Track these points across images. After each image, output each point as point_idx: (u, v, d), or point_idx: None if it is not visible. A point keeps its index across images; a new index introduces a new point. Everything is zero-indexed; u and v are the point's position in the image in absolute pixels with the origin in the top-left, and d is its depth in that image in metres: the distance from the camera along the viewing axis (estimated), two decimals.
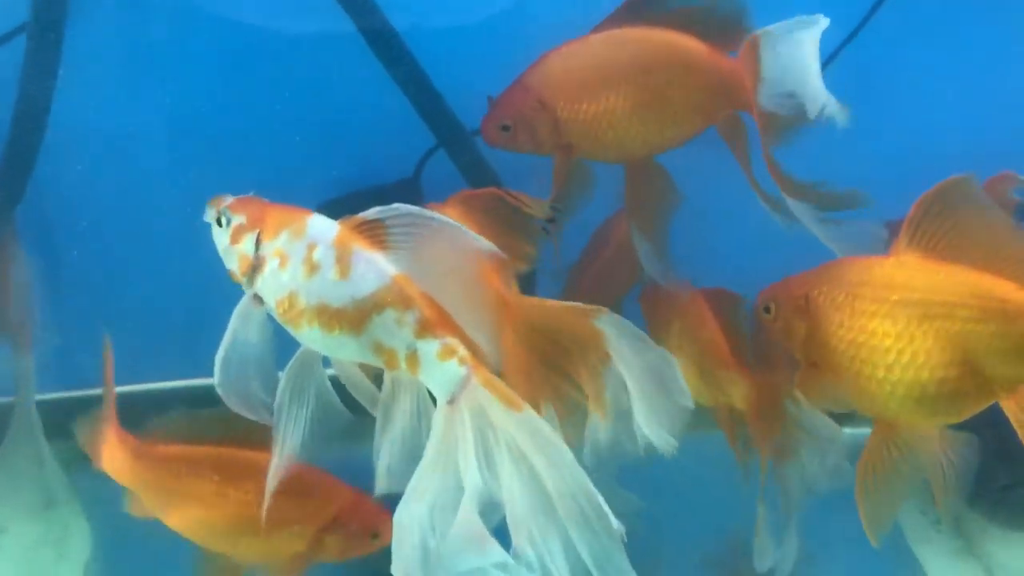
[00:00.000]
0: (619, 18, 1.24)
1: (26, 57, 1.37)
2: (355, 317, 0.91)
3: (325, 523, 1.10)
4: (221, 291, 0.97)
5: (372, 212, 0.89)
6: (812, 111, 1.16)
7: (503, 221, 1.04)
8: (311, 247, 0.91)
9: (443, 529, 0.86)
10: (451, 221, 0.88)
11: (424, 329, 0.90)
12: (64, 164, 1.45)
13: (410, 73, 1.36)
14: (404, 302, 0.90)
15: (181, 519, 1.16)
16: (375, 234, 0.90)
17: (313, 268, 0.91)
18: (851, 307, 1.04)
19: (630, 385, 0.95)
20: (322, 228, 0.92)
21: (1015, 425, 0.95)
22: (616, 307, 1.32)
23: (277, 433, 0.98)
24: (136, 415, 1.51)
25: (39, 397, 1.51)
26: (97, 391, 1.51)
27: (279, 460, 0.99)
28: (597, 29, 1.24)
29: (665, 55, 1.22)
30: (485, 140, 1.29)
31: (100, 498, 1.50)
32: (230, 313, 0.97)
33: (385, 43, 1.37)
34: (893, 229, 1.17)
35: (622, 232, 1.36)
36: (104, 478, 1.52)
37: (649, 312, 1.29)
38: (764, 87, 1.18)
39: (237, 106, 1.44)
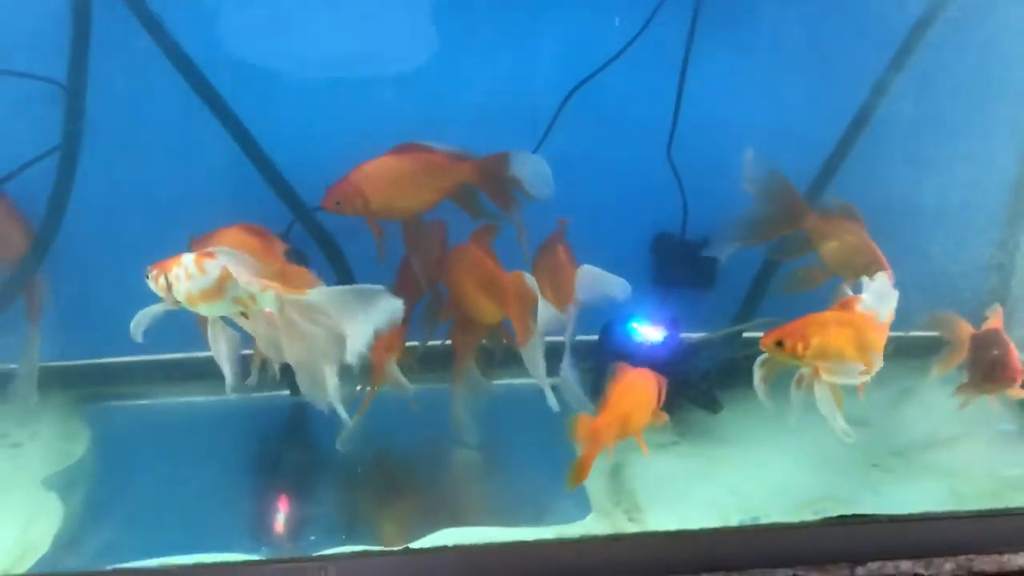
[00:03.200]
0: (399, 149, 1.92)
1: (59, 164, 1.98)
2: (218, 290, 1.54)
3: None
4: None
5: (210, 248, 1.54)
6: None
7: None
8: (186, 268, 1.54)
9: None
10: (236, 252, 1.53)
11: (250, 282, 1.53)
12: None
13: (270, 172, 2.04)
14: (233, 275, 1.53)
15: None
16: (213, 253, 1.53)
17: (190, 277, 1.53)
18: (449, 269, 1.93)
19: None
20: (188, 258, 1.54)
21: None
22: (417, 303, 2.00)
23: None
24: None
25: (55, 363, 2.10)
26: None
27: (229, 383, 1.60)
28: (389, 152, 1.93)
29: (424, 164, 1.94)
30: (324, 209, 1.92)
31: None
32: None
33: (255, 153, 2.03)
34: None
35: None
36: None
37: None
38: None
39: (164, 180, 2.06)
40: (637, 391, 1.77)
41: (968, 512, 1.80)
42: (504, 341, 2.02)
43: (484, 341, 2.03)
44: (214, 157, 2.07)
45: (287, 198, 2.08)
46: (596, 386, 2.02)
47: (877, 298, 1.76)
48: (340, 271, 2.15)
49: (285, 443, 2.11)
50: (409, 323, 1.97)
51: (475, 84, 2.10)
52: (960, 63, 2.15)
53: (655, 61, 2.11)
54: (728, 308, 2.28)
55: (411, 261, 2.01)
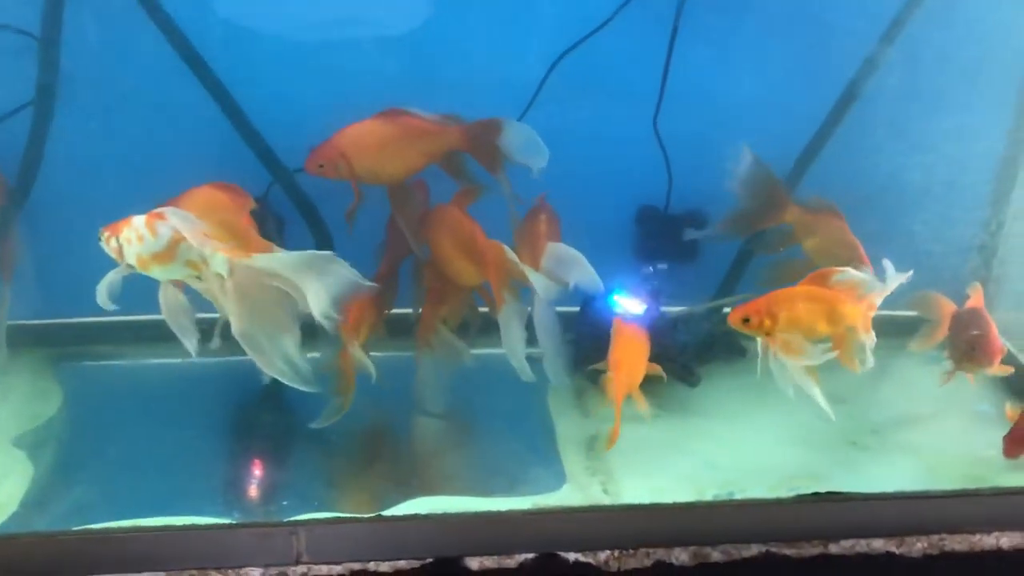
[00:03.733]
0: (385, 114, 1.89)
1: (33, 118, 1.97)
2: (169, 253, 1.51)
3: None
4: None
5: (159, 209, 1.51)
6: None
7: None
8: (137, 230, 1.51)
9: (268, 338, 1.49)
10: (188, 214, 1.50)
11: (201, 244, 1.50)
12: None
13: (251, 135, 2.03)
14: (186, 236, 1.49)
15: None
16: (163, 214, 1.51)
17: (141, 239, 1.51)
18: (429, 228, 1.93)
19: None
20: (138, 220, 1.52)
21: None
22: (403, 262, 2.00)
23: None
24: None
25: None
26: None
27: (189, 347, 1.57)
28: (375, 116, 1.89)
29: (410, 129, 1.90)
30: (307, 171, 1.89)
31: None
32: None
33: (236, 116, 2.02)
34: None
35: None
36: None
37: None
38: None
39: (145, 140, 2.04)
40: (636, 345, 1.80)
41: (941, 492, 1.81)
42: (480, 309, 2.03)
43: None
44: (192, 115, 2.04)
45: (266, 159, 2.05)
46: (577, 357, 2.04)
47: (892, 280, 1.74)
48: (318, 235, 2.14)
49: (260, 407, 2.08)
50: (395, 287, 2.01)
51: (462, 51, 2.07)
52: (948, 38, 2.13)
53: (644, 31, 2.09)
54: (711, 282, 2.28)
55: (397, 224, 1.98)
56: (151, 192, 1.69)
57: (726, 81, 2.14)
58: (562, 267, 1.84)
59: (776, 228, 2.10)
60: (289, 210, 2.10)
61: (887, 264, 1.76)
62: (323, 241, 2.13)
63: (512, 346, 1.84)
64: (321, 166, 1.88)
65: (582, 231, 1.98)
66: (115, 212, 1.60)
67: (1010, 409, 2.00)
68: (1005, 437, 1.91)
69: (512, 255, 1.81)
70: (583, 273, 1.83)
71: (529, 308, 1.86)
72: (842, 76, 2.14)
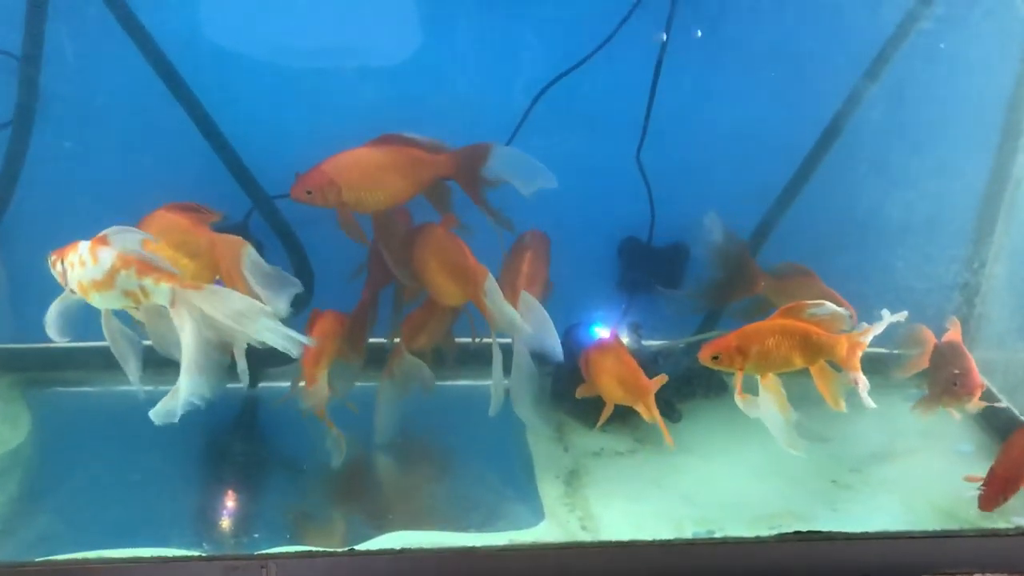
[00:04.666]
0: (377, 141, 1.87)
1: (11, 137, 1.96)
2: (108, 280, 1.47)
3: None
4: None
5: (105, 231, 1.48)
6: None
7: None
8: (80, 255, 1.48)
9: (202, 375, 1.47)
10: (136, 239, 1.47)
11: (141, 273, 1.47)
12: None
13: (232, 161, 2.01)
14: (126, 264, 1.47)
15: None
16: (105, 239, 1.47)
17: (83, 264, 1.48)
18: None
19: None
20: (84, 245, 1.49)
21: None
22: (383, 288, 1.99)
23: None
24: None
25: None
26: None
27: (131, 378, 1.57)
28: (366, 144, 1.87)
29: (400, 157, 1.88)
30: (293, 198, 1.85)
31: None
32: None
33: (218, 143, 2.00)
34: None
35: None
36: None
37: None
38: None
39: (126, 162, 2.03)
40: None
41: (923, 533, 1.80)
42: (455, 341, 2.02)
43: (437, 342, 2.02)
44: (174, 140, 2.02)
45: (246, 185, 2.04)
46: (555, 390, 2.01)
47: (884, 320, 1.71)
48: (297, 260, 2.11)
49: (232, 437, 2.06)
50: (374, 316, 2.00)
51: (448, 81, 2.07)
52: (931, 75, 2.14)
53: (629, 63, 2.08)
54: (692, 316, 2.25)
55: (381, 254, 1.96)
56: (126, 217, 1.65)
57: (711, 114, 2.14)
58: (528, 321, 1.82)
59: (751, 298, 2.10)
60: (268, 236, 2.07)
61: (885, 313, 1.73)
62: (301, 268, 2.10)
63: (495, 376, 1.82)
64: (309, 192, 1.84)
65: (566, 262, 1.99)
66: (88, 237, 1.56)
67: None
68: (980, 492, 1.88)
69: (493, 285, 1.79)
70: (546, 334, 1.81)
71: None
72: (826, 112, 2.15)
